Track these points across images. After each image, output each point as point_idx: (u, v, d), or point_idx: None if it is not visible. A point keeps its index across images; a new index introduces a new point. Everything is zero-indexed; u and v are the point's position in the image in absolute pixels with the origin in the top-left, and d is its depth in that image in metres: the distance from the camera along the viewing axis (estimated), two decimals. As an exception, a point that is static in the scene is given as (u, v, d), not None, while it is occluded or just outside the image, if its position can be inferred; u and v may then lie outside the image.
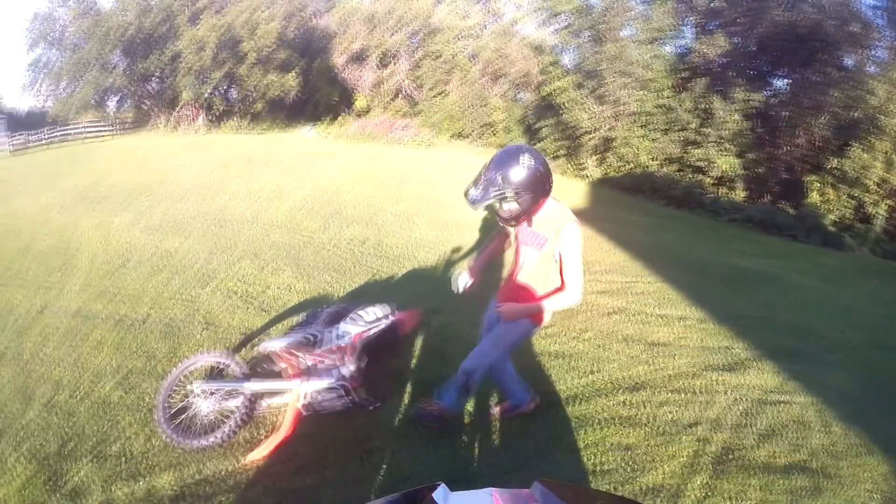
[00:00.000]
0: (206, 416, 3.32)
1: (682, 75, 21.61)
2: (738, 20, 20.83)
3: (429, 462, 3.14)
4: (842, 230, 16.74)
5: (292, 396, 3.21)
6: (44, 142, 28.69)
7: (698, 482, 3.07)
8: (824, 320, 6.66)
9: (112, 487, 2.88)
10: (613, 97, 21.36)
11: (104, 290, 5.70)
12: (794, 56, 20.37)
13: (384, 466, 3.12)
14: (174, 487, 2.91)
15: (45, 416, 3.53)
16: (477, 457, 3.24)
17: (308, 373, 3.31)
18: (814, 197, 18.18)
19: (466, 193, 2.76)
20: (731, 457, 3.35)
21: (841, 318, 6.90)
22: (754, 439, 3.58)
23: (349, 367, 3.27)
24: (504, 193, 2.68)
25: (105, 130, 32.37)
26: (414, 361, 4.31)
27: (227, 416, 3.28)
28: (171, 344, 4.54)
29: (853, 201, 17.29)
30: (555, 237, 2.82)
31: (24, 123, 34.19)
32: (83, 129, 31.23)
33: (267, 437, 3.17)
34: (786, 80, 22.00)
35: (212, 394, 3.34)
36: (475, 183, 2.75)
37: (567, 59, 26.16)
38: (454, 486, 1.19)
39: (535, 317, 3.04)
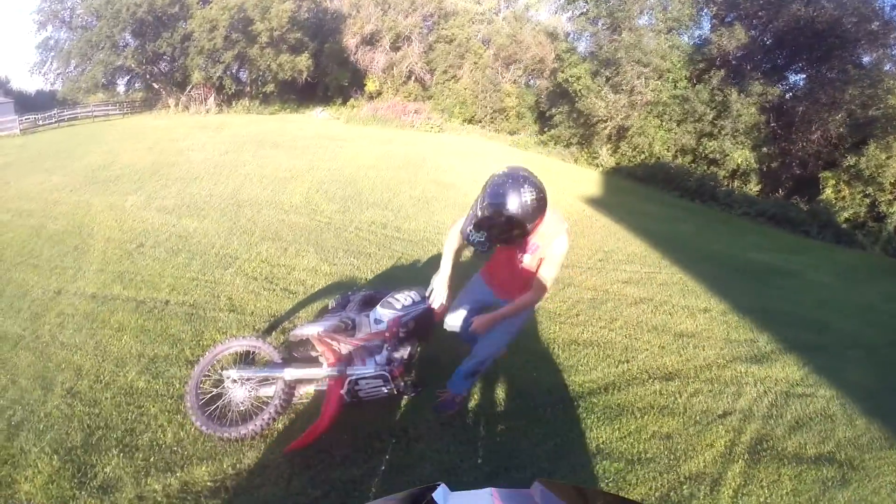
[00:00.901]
0: (240, 404, 3.17)
1: (699, 66, 21.52)
2: (758, 13, 20.61)
3: (473, 451, 3.14)
4: (854, 228, 16.75)
5: (333, 384, 3.06)
6: (53, 122, 28.45)
7: (736, 470, 3.21)
8: (842, 317, 6.90)
9: (144, 481, 2.73)
10: (629, 86, 21.27)
11: (121, 272, 5.54)
12: (811, 51, 20.28)
13: (430, 455, 3.08)
14: (211, 480, 2.78)
15: (67, 404, 3.33)
16: (522, 446, 3.22)
17: (349, 359, 3.16)
18: (828, 194, 18.17)
19: (468, 237, 2.70)
20: (763, 446, 3.50)
21: (858, 317, 7.12)
22: (784, 430, 3.75)
23: (391, 354, 3.13)
24: (512, 235, 2.61)
25: (115, 111, 32.27)
26: (444, 346, 4.19)
27: (264, 405, 3.14)
28: (195, 328, 4.39)
29: (867, 199, 17.26)
30: (547, 245, 2.74)
31: (32, 104, 34.16)
32: (92, 110, 31.14)
33: (306, 426, 3.04)
34: (802, 76, 21.96)
35: (246, 381, 3.19)
36: (477, 227, 2.61)
37: (582, 47, 26.09)
38: (455, 486, 1.17)
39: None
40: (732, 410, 3.92)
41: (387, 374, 3.02)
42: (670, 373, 4.38)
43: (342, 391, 3.04)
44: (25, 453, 2.91)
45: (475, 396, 3.68)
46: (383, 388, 3.08)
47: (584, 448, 3.26)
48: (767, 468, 3.27)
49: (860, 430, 3.88)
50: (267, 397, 3.17)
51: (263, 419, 2.99)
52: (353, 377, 3.04)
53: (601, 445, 3.30)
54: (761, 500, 3.02)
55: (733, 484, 3.08)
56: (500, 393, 3.76)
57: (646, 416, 3.67)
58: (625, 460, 3.18)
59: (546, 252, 2.73)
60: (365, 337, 3.21)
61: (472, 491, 1.17)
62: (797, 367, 4.80)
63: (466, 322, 3.18)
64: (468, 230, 2.67)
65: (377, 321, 3.26)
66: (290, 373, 3.10)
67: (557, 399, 3.79)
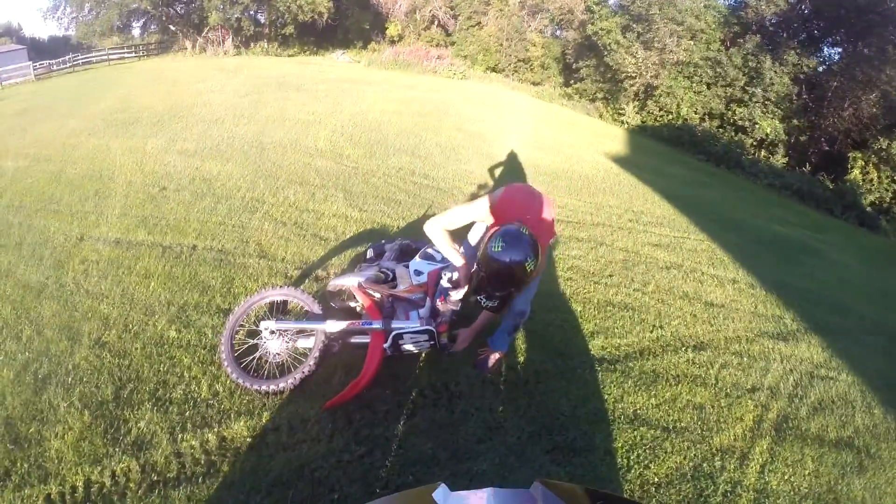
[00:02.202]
0: (277, 356, 3.05)
1: (734, 30, 20.97)
2: (799, -22, 19.87)
3: (515, 410, 3.12)
4: (879, 212, 16.47)
5: (376, 337, 2.94)
6: (68, 67, 28.17)
7: (763, 446, 3.25)
8: (864, 302, 6.90)
9: (180, 437, 2.63)
10: (661, 44, 20.77)
11: (144, 217, 5.38)
12: (850, 25, 19.71)
13: (473, 413, 3.04)
14: (251, 436, 2.68)
15: (95, 356, 3.19)
16: (562, 408, 3.22)
17: (391, 312, 3.06)
18: (855, 174, 17.89)
19: (478, 302, 2.86)
20: (788, 425, 3.53)
21: (880, 303, 7.15)
22: (807, 411, 3.77)
23: (434, 307, 3.02)
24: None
25: (130, 54, 31.96)
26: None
27: (302, 357, 3.02)
28: (225, 275, 4.24)
29: (895, 185, 16.85)
30: None
31: (46, 50, 33.88)
32: (108, 54, 30.79)
33: (347, 380, 2.95)
34: (838, 49, 21.30)
35: (284, 332, 3.06)
36: (489, 297, 2.76)
37: (613, 0, 25.37)
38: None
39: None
40: (760, 386, 3.91)
41: (433, 330, 2.91)
42: (702, 342, 4.37)
43: (385, 345, 2.93)
44: (54, 408, 2.79)
45: (515, 355, 3.64)
46: (426, 343, 2.98)
47: (623, 413, 3.27)
48: (792, 447, 3.30)
49: (878, 418, 3.88)
50: (305, 349, 3.04)
51: (302, 372, 2.87)
52: (398, 331, 2.92)
53: (638, 411, 3.32)
54: (786, 477, 3.06)
55: (760, 460, 3.13)
56: (539, 353, 3.71)
57: (680, 385, 3.67)
58: (660, 428, 3.20)
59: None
60: (408, 290, 3.10)
61: (472, 490, 1.20)
62: (821, 349, 4.76)
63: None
64: (478, 299, 2.82)
65: (417, 272, 3.17)
66: (331, 325, 2.96)
67: (595, 361, 3.76)
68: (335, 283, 3.28)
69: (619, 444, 2.99)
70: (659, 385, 3.62)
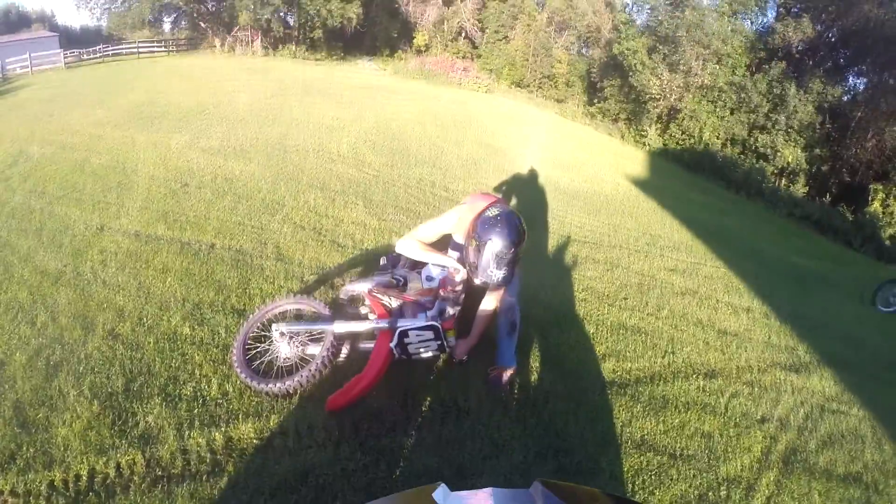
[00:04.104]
0: (286, 360, 3.07)
1: (759, 55, 20.90)
2: (828, 7, 19.84)
3: (523, 430, 3.10)
4: (898, 246, 16.23)
5: (382, 336, 2.97)
6: (98, 58, 28.57)
7: (770, 478, 3.21)
8: (880, 336, 6.88)
9: (188, 433, 2.64)
10: (686, 66, 20.73)
11: (165, 212, 5.43)
12: (876, 56, 19.51)
13: (481, 429, 3.03)
14: (257, 438, 2.68)
15: (108, 347, 3.20)
16: (570, 429, 3.20)
17: (399, 313, 3.10)
18: (875, 206, 17.74)
19: (488, 280, 2.98)
20: (796, 458, 3.48)
21: None
22: (816, 444, 3.72)
23: (443, 307, 3.06)
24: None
25: (160, 49, 32.27)
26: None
27: (308, 361, 3.04)
28: (241, 275, 4.26)
29: (916, 220, 16.74)
30: None
31: (78, 40, 34.44)
32: (137, 47, 31.09)
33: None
34: (863, 80, 21.12)
35: (294, 335, 3.09)
36: (498, 266, 2.91)
37: (641, 20, 25.49)
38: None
39: None
40: (770, 417, 3.88)
41: (438, 326, 2.93)
42: (713, 370, 4.34)
43: (391, 344, 2.95)
44: (64, 396, 2.81)
45: (527, 374, 3.63)
46: (433, 344, 3.00)
47: (630, 437, 3.24)
48: (799, 480, 3.27)
49: (888, 454, 3.83)
50: (312, 355, 3.07)
51: (309, 370, 2.88)
52: (403, 328, 2.94)
53: (646, 437, 3.30)
54: (791, 511, 3.02)
55: (766, 491, 3.10)
56: (550, 373, 3.69)
57: (689, 412, 3.64)
58: (667, 454, 3.18)
59: None
60: (418, 293, 3.15)
61: (472, 491, 1.19)
62: (833, 382, 4.72)
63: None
64: (488, 274, 2.93)
65: (429, 279, 3.21)
66: (339, 325, 3.00)
67: (605, 384, 3.75)
68: (348, 289, 3.32)
69: (626, 469, 2.98)
70: (668, 411, 3.59)
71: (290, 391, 2.88)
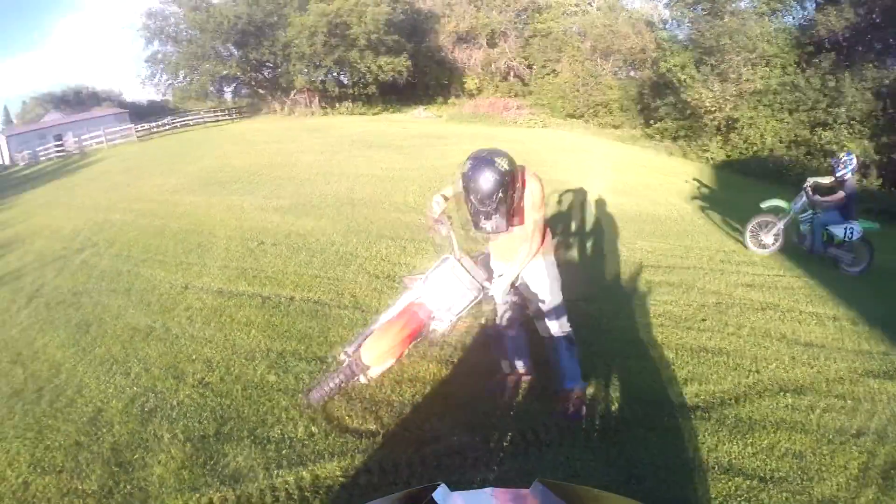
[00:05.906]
0: None
1: (807, 49, 20.17)
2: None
3: (608, 457, 3.05)
4: None
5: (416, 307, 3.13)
6: (167, 129, 30.60)
7: (869, 496, 2.98)
8: None
9: (276, 472, 2.78)
10: (735, 74, 20.23)
11: (244, 269, 5.76)
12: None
13: (562, 461, 3.01)
14: (343, 476, 2.79)
15: (199, 395, 3.45)
16: (654, 455, 3.11)
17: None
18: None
19: (481, 226, 2.93)
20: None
21: None
22: None
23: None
24: (514, 199, 2.89)
25: (224, 117, 34.37)
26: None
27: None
28: (321, 325, 4.46)
29: None
30: (527, 198, 3.01)
31: (146, 114, 36.90)
32: (203, 117, 33.23)
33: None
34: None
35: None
36: (485, 214, 2.86)
37: (683, 34, 25.17)
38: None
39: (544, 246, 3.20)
40: (866, 431, 3.60)
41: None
42: (802, 386, 4.11)
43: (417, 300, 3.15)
44: (158, 439, 3.02)
45: (609, 404, 3.60)
46: (469, 294, 3.12)
47: (717, 462, 3.11)
48: None
49: None
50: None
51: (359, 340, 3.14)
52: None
53: (733, 461, 3.14)
54: (892, 530, 2.81)
55: None
56: (631, 401, 3.63)
57: (778, 432, 3.45)
58: (757, 478, 3.01)
59: (526, 202, 2.98)
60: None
61: (472, 490, 1.23)
62: None
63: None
64: (479, 226, 2.92)
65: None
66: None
67: (689, 409, 3.64)
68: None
69: (714, 495, 2.88)
70: (756, 433, 3.43)
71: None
